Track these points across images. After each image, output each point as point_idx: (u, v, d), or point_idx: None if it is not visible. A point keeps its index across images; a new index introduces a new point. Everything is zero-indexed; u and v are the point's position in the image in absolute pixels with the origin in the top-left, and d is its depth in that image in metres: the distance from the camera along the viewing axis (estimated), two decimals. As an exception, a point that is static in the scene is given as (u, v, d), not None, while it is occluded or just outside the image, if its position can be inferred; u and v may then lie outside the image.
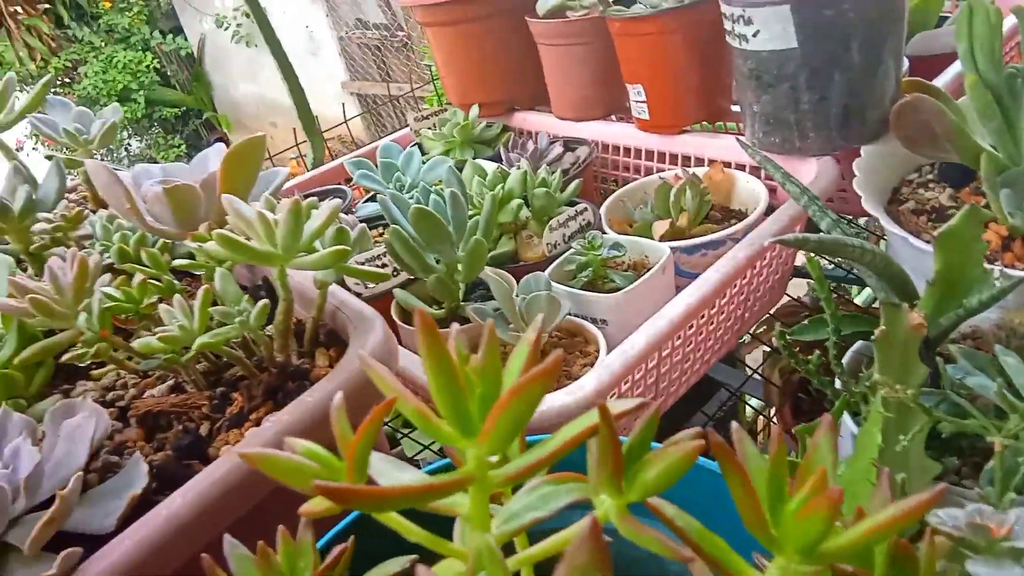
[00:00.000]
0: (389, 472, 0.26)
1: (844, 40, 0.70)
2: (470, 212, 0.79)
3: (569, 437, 0.24)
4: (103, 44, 6.07)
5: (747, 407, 1.18)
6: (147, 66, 6.05)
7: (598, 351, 0.65)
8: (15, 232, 0.67)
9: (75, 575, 0.38)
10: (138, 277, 0.49)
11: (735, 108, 0.92)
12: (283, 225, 0.45)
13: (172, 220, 0.57)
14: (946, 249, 0.46)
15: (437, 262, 0.70)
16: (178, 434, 0.47)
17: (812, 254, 0.63)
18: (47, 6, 5.84)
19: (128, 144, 6.38)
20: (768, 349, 0.98)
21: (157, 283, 0.50)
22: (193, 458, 0.46)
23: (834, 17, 0.69)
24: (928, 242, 0.66)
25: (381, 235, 0.88)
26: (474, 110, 1.03)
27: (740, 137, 0.82)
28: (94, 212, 0.77)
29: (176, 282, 0.51)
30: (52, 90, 5.67)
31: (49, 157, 0.70)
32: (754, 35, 0.72)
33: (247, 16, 5.73)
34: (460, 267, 0.69)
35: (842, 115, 0.74)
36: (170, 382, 0.52)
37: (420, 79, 5.36)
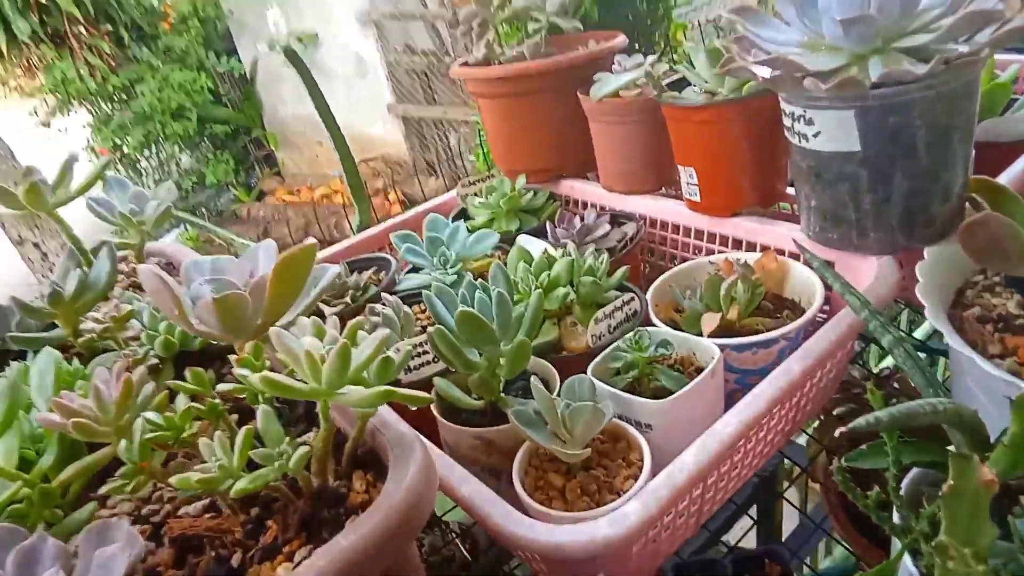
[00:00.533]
0: None
1: (910, 145, 0.67)
2: (515, 297, 0.78)
3: None
4: (160, 64, 6.26)
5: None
6: (201, 86, 6.22)
7: (642, 460, 0.63)
8: (65, 316, 0.68)
9: None
10: (182, 402, 0.49)
11: (791, 190, 0.89)
12: (329, 364, 0.44)
13: (219, 326, 0.56)
14: (1025, 413, 0.43)
15: (480, 353, 0.69)
16: (210, 562, 0.47)
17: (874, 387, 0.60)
18: (109, 28, 6.07)
19: (179, 159, 6.56)
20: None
21: (199, 406, 0.50)
22: (227, 589, 0.45)
23: (900, 123, 0.66)
24: (995, 361, 0.63)
25: (424, 310, 0.87)
26: (521, 179, 1.02)
27: (796, 232, 0.79)
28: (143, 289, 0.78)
29: (219, 402, 0.51)
30: (110, 106, 5.82)
31: (103, 243, 0.71)
32: (815, 135, 0.70)
33: (299, 40, 5.87)
34: (502, 362, 0.68)
35: (905, 216, 0.71)
36: (205, 501, 0.51)
37: (464, 103, 5.41)
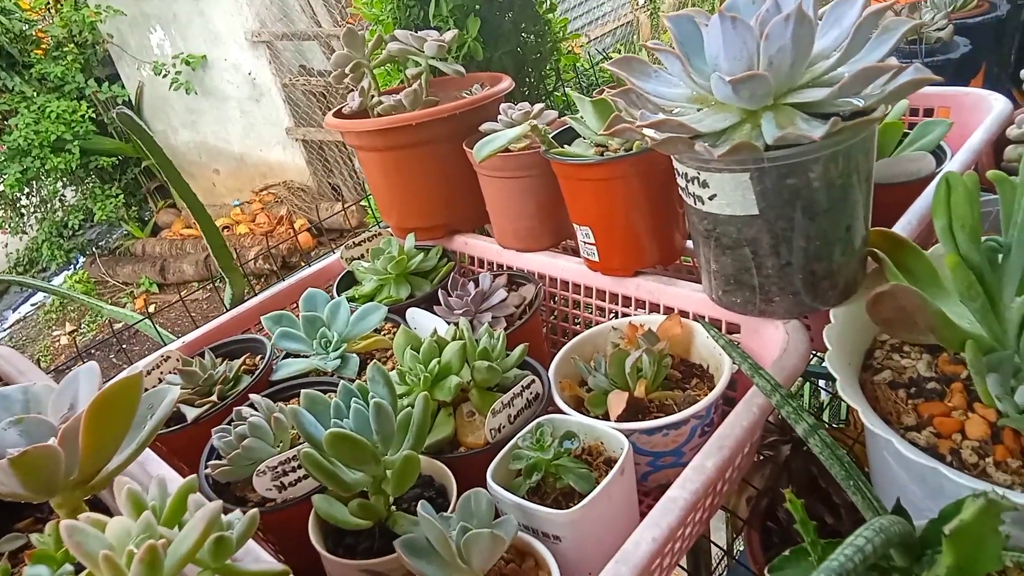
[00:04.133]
0: None
1: (809, 206, 0.63)
2: (403, 390, 0.70)
3: None
4: (35, 93, 5.84)
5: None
6: (82, 115, 5.83)
7: (551, 580, 0.56)
8: None
9: None
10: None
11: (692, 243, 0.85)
12: (137, 568, 0.34)
13: (23, 487, 0.46)
14: (958, 545, 0.39)
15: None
16: None
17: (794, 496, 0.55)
18: (-26, 55, 5.62)
19: (63, 195, 6.13)
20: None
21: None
22: None
23: (798, 184, 0.62)
24: (911, 434, 0.60)
25: (304, 404, 0.78)
26: (410, 240, 0.94)
27: (699, 294, 0.74)
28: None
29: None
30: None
31: None
32: (710, 198, 0.65)
33: (186, 63, 5.59)
34: (389, 475, 0.60)
35: (808, 278, 0.67)
36: None
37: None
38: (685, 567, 1.04)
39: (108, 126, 6.21)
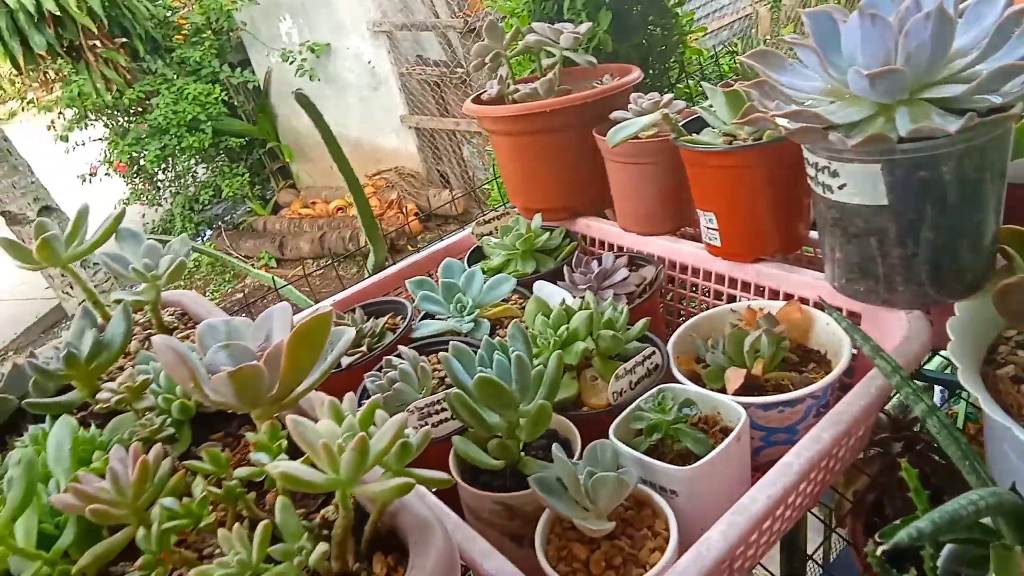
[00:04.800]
0: None
1: (939, 199, 0.65)
2: (534, 351, 0.76)
3: None
4: (175, 76, 6.30)
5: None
6: (215, 98, 6.24)
7: (667, 529, 0.61)
8: (81, 379, 0.67)
9: None
10: (199, 488, 0.48)
11: (815, 233, 0.87)
12: (348, 457, 0.43)
13: (235, 397, 0.55)
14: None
15: (499, 415, 0.67)
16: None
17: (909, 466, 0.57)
18: (124, 40, 6.11)
19: (196, 172, 6.60)
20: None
21: (216, 490, 0.49)
22: None
23: (929, 177, 0.64)
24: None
25: (439, 363, 0.86)
26: (536, 219, 1.01)
27: (821, 282, 0.77)
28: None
29: (235, 483, 0.50)
30: (126, 119, 5.86)
31: (117, 302, 0.71)
32: (840, 187, 0.68)
33: (312, 51, 5.89)
34: (523, 423, 0.67)
35: (934, 270, 0.69)
36: (225, 582, 0.50)
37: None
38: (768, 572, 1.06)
39: (238, 109, 6.64)
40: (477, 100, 1.06)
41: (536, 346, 0.77)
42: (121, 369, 0.74)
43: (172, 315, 0.84)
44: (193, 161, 6.46)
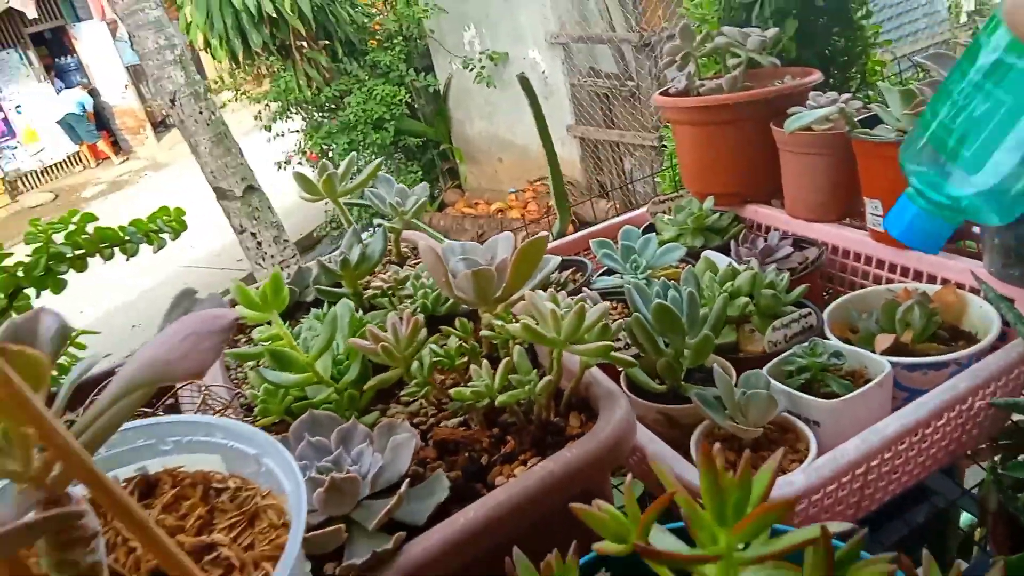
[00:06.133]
0: (658, 536, 0.38)
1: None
2: (701, 302, 0.89)
3: (796, 542, 0.34)
4: (367, 77, 6.90)
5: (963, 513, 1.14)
6: (400, 99, 6.77)
7: (808, 450, 0.72)
8: (348, 279, 0.89)
9: (397, 556, 0.54)
10: (453, 340, 0.66)
11: (977, 229, 0.93)
12: (569, 320, 0.58)
13: (472, 293, 0.73)
14: None
15: (667, 345, 0.81)
16: (465, 460, 0.63)
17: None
18: (327, 42, 6.79)
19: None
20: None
21: (465, 345, 0.67)
22: (477, 481, 0.61)
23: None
24: None
25: (614, 307, 1.01)
26: (709, 201, 1.13)
27: (977, 268, 0.84)
28: (397, 264, 0.98)
29: (476, 345, 0.67)
30: (321, 115, 6.45)
31: (378, 225, 0.92)
32: (1003, 175, 0.75)
33: (491, 59, 6.25)
34: (686, 353, 0.80)
35: (1093, 259, 0.74)
36: (459, 419, 0.68)
37: (642, 127, 5.51)
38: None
39: (417, 111, 7.16)
40: (664, 93, 1.20)
41: (703, 298, 0.89)
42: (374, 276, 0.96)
43: (406, 247, 1.05)
44: (374, 156, 7.04)
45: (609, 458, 0.59)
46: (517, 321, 0.64)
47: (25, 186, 10.75)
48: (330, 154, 6.94)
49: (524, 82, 1.19)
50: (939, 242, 0.61)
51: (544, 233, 0.75)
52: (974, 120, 0.52)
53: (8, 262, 0.91)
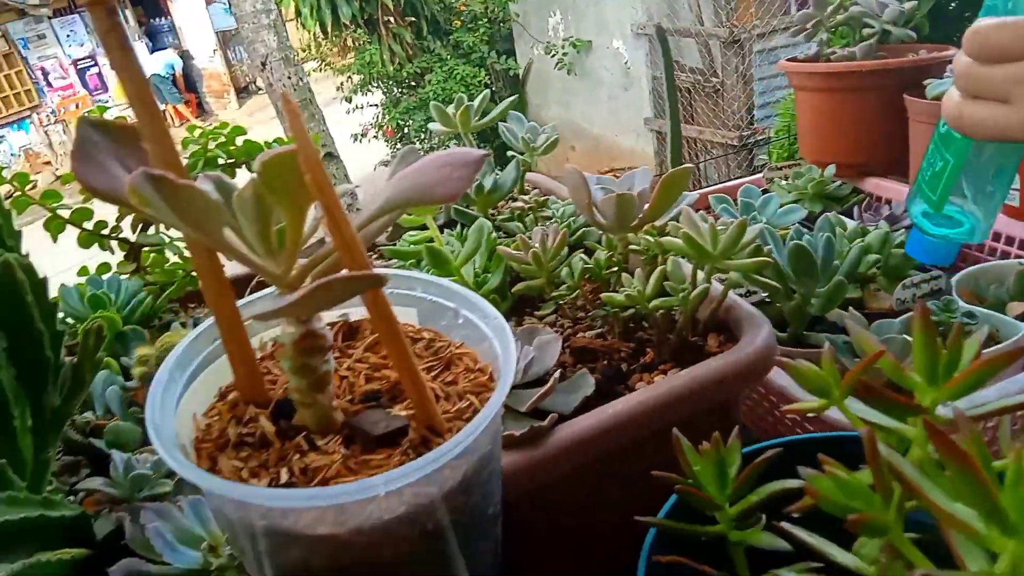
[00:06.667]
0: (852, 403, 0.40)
1: None
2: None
3: (1006, 405, 0.36)
4: (448, 57, 6.98)
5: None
6: (479, 81, 6.84)
7: (935, 402, 0.72)
8: (481, 205, 0.92)
9: (550, 434, 0.57)
10: (601, 253, 0.69)
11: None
12: (728, 234, 0.60)
13: (613, 217, 0.75)
14: None
15: (793, 292, 0.82)
16: (604, 366, 0.65)
17: None
18: (412, 19, 6.89)
19: (448, 146, 7.26)
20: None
21: (612, 258, 0.69)
22: (617, 384, 0.63)
23: None
24: None
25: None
26: (831, 169, 1.12)
27: None
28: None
29: (619, 259, 0.70)
30: (400, 91, 6.55)
31: (510, 158, 0.95)
32: None
33: (574, 47, 6.24)
34: (814, 301, 0.80)
35: None
36: (596, 330, 0.70)
37: (723, 124, 5.44)
38: None
39: (495, 94, 7.21)
40: (792, 60, 1.19)
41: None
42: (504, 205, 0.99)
43: (529, 186, 1.08)
44: (447, 136, 7.13)
45: (752, 373, 0.61)
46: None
47: (113, 139, 11.23)
48: (406, 130, 7.05)
49: (660, 33, 1.20)
50: (951, 257, 0.72)
51: (688, 165, 0.76)
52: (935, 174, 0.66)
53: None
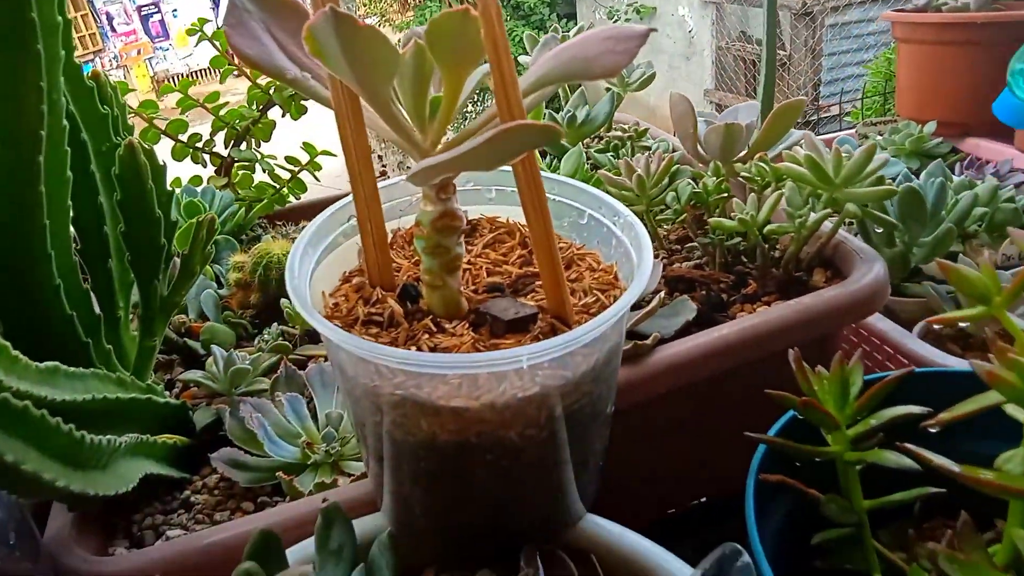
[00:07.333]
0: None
1: None
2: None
3: None
4: (508, 17, 6.89)
5: None
6: (539, 43, 6.73)
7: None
8: (572, 137, 0.90)
9: (651, 353, 0.56)
10: (709, 179, 0.67)
11: None
12: (854, 160, 0.58)
13: (717, 148, 0.73)
14: None
15: (894, 242, 0.78)
16: (703, 296, 0.64)
17: None
18: (474, -20, 6.80)
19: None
20: None
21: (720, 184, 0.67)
22: (717, 313, 0.62)
23: None
24: None
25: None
26: (931, 125, 1.07)
27: None
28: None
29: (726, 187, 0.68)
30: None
31: (608, 89, 0.93)
32: None
33: (637, 12, 6.10)
34: (916, 251, 0.77)
35: None
36: (694, 262, 0.68)
37: (786, 100, 5.27)
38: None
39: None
40: (899, 10, 1.14)
41: (933, 204, 0.86)
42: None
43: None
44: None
45: (864, 307, 0.59)
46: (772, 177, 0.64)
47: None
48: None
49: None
50: None
51: (802, 98, 0.73)
52: None
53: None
